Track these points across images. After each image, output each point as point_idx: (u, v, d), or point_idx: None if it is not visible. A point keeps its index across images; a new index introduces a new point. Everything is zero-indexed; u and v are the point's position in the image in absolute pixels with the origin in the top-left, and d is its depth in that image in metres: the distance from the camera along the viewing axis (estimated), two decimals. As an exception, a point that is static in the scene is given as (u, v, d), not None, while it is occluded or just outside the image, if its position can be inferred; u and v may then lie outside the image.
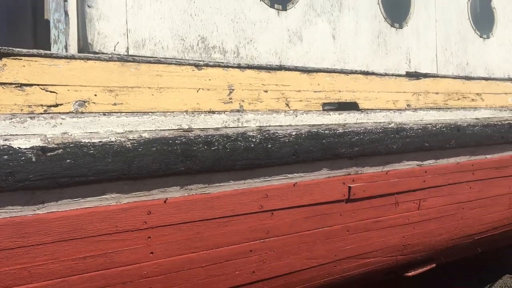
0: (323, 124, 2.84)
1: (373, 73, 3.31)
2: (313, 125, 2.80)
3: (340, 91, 3.06)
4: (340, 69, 3.25)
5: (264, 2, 3.53)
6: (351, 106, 3.11)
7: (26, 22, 3.92)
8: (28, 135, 1.87)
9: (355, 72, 3.23)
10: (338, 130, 2.85)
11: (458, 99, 3.75)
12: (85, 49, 2.81)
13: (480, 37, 5.17)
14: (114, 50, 2.87)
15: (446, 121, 3.52)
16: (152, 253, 2.32)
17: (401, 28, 4.45)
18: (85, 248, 2.09)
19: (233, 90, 2.57)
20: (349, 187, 3.05)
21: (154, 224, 2.29)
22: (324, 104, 2.97)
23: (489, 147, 3.91)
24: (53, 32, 4.71)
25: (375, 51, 4.28)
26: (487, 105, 3.93)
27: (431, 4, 4.75)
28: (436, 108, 3.56)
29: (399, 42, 4.43)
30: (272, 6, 3.56)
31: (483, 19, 5.29)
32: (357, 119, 3.06)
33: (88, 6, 2.80)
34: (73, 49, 2.94)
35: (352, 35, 4.09)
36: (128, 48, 2.91)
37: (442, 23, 4.85)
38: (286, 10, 3.68)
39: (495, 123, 3.78)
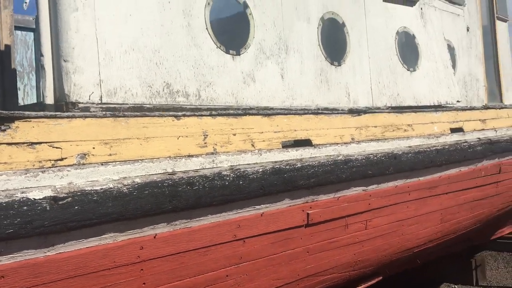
0: (283, 160, 3.26)
1: (322, 113, 3.78)
2: (276, 162, 3.21)
3: (295, 130, 3.51)
4: (295, 111, 3.70)
5: (221, 49, 3.92)
6: (306, 143, 3.56)
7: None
8: (41, 187, 2.14)
9: (308, 113, 3.69)
10: (297, 165, 3.28)
11: (393, 130, 4.31)
12: (61, 99, 3.06)
13: (408, 70, 5.83)
14: (89, 99, 3.14)
15: (384, 150, 4.05)
16: (144, 283, 2.61)
17: (340, 65, 4.99)
18: (88, 283, 2.35)
19: (207, 135, 2.94)
20: (307, 214, 3.47)
21: (146, 258, 2.58)
22: (283, 142, 3.40)
23: (421, 171, 4.48)
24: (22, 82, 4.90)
25: (318, 87, 4.78)
26: (417, 134, 4.53)
27: (364, 42, 5.34)
28: (376, 140, 4.10)
29: (338, 78, 4.96)
30: (227, 52, 3.96)
31: (409, 53, 5.98)
32: (311, 154, 3.51)
33: (64, 60, 3.07)
34: (49, 100, 3.18)
35: (298, 74, 4.55)
36: (101, 97, 3.19)
37: (374, 59, 5.45)
38: (239, 54, 4.09)
39: (425, 149, 4.37)
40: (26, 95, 5.62)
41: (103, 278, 2.40)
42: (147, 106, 3.39)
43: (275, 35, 4.36)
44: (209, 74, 3.80)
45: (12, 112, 2.18)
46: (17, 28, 5.40)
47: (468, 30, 7.33)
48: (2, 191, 2.02)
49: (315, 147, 3.55)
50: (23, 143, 2.18)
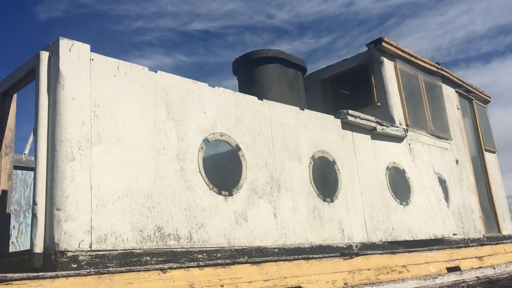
0: (273, 312, 3.16)
1: (313, 258, 3.74)
2: (265, 314, 3.11)
3: (285, 277, 3.45)
4: (285, 257, 3.67)
5: (213, 191, 4.00)
6: (297, 290, 3.48)
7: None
8: None
9: (298, 258, 3.65)
10: (288, 316, 3.17)
11: (387, 272, 4.23)
12: (51, 248, 3.06)
13: (400, 204, 5.89)
14: (79, 247, 3.14)
15: (379, 295, 3.94)
16: None
17: (332, 201, 5.06)
18: None
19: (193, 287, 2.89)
20: None
21: None
22: None
23: (420, 315, 4.31)
24: (12, 223, 4.92)
25: (312, 224, 4.78)
26: (413, 275, 4.44)
27: (355, 178, 5.47)
28: (370, 284, 4.00)
29: (332, 214, 4.99)
30: (219, 193, 4.04)
31: (401, 188, 6.09)
32: (303, 302, 3.41)
33: (57, 209, 3.12)
34: (39, 249, 3.17)
35: (291, 212, 4.59)
36: (91, 244, 3.19)
37: (367, 194, 5.53)
38: (232, 195, 4.17)
39: (422, 292, 4.25)
40: (20, 233, 5.62)
41: None
42: (137, 251, 3.37)
43: (267, 175, 4.49)
44: (201, 215, 3.85)
45: (-7, 276, 2.16)
46: (18, 167, 5.58)
47: (457, 162, 7.56)
48: None
49: (306, 295, 3.46)
50: (2, 308, 2.14)
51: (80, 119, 3.28)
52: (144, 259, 3.31)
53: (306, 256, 3.65)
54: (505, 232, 8.21)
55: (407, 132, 6.53)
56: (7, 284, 2.18)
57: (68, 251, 3.04)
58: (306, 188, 4.87)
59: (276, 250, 4.21)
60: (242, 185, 4.28)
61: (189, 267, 2.95)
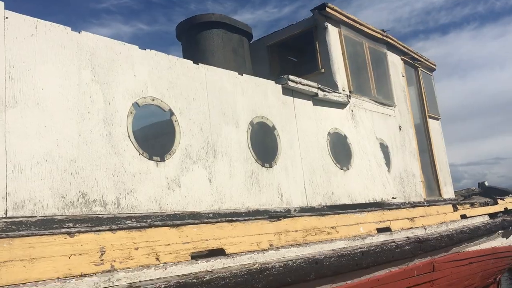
0: (191, 273, 3.16)
1: (237, 220, 3.76)
2: (182, 275, 3.11)
3: (207, 240, 3.45)
4: (206, 220, 3.67)
5: (143, 156, 3.94)
6: (219, 252, 3.49)
7: None
8: None
9: (221, 221, 3.66)
10: (205, 277, 3.18)
11: (316, 233, 4.31)
12: (-38, 215, 2.95)
13: (341, 169, 5.98)
14: (-7, 213, 3.04)
15: (305, 255, 4.01)
16: None
17: (271, 167, 5.09)
18: None
19: (104, 252, 2.85)
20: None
21: None
22: (193, 254, 3.32)
23: (347, 274, 4.42)
24: None
25: (249, 189, 4.80)
26: (342, 236, 4.54)
27: (296, 144, 5.51)
28: (297, 245, 4.07)
29: (270, 180, 5.02)
30: (150, 158, 3.98)
31: (342, 153, 6.17)
32: (223, 264, 3.43)
33: None
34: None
35: (227, 177, 4.59)
36: (7, 210, 3.10)
37: (307, 159, 5.58)
38: (164, 160, 4.11)
39: (349, 252, 4.35)
40: None
41: None
42: (59, 217, 3.30)
43: (202, 140, 4.44)
44: (130, 181, 3.78)
45: None
46: None
47: (400, 129, 7.71)
48: None
49: (228, 256, 3.48)
50: None
51: None
52: (66, 225, 3.23)
53: (230, 218, 3.66)
54: (446, 196, 8.51)
55: (350, 98, 6.58)
56: None
57: None
58: (243, 153, 4.85)
59: (211, 215, 4.21)
60: (175, 150, 4.22)
61: (100, 230, 2.91)
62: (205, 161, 4.47)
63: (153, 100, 4.17)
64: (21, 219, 3.11)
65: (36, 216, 3.20)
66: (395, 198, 6.55)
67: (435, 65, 9.23)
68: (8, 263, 2.45)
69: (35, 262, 2.54)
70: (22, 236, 2.60)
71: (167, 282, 2.97)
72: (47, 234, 2.66)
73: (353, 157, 6.27)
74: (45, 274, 2.54)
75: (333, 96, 6.22)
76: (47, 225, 3.12)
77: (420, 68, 8.81)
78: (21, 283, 2.44)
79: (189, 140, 4.35)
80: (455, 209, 6.56)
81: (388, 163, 6.99)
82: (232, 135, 4.77)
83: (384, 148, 7.07)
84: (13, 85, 3.26)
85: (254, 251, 3.68)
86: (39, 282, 2.49)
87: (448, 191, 8.69)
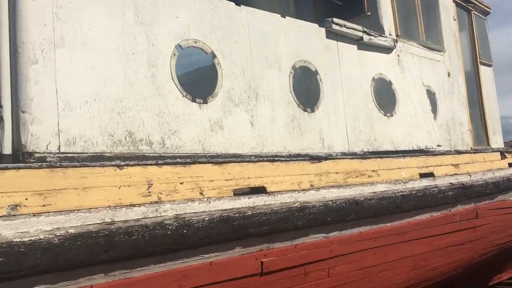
0: (233, 208, 3.27)
1: (278, 160, 3.81)
2: (225, 210, 3.22)
3: (249, 178, 3.53)
4: (249, 158, 3.73)
5: (187, 98, 4.01)
6: (260, 190, 3.58)
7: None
8: (-35, 239, 2.18)
9: (262, 160, 3.72)
10: (247, 212, 3.28)
11: (357, 176, 4.32)
12: (18, 149, 3.13)
13: (385, 115, 5.89)
14: (46, 149, 3.20)
15: (345, 196, 4.05)
16: (78, 338, 2.59)
17: (313, 112, 5.07)
18: None
19: (151, 184, 2.98)
20: (262, 262, 3.45)
21: (83, 310, 2.58)
22: (235, 190, 3.42)
23: (387, 217, 4.45)
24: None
25: (290, 133, 4.82)
26: (383, 180, 4.53)
27: (339, 89, 5.43)
28: (337, 186, 4.10)
29: (312, 124, 5.01)
30: (194, 100, 4.05)
31: (386, 99, 6.05)
32: (265, 201, 3.52)
33: (22, 111, 3.16)
34: (7, 150, 3.25)
35: (269, 121, 4.62)
36: (59, 146, 3.25)
37: (350, 105, 5.52)
38: (207, 103, 4.17)
39: (390, 195, 4.35)
40: None
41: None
42: (108, 155, 3.45)
43: (244, 83, 4.45)
44: (174, 122, 3.87)
45: None
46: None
47: (449, 75, 7.43)
48: None
49: (269, 194, 3.56)
50: (-46, 195, 2.24)
51: (42, 21, 3.22)
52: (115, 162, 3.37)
53: (272, 158, 3.71)
54: (494, 145, 8.24)
55: (397, 42, 6.36)
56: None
57: (36, 153, 3.10)
58: (285, 97, 4.83)
59: (253, 157, 4.28)
60: (217, 93, 4.26)
61: (147, 164, 3.03)
62: (247, 104, 4.48)
63: (195, 42, 4.18)
64: (72, 154, 3.26)
65: (86, 153, 3.35)
66: (440, 146, 6.41)
67: (489, 8, 8.71)
68: (63, 190, 2.61)
69: (88, 191, 2.70)
70: (76, 166, 2.74)
71: (210, 215, 3.09)
72: (98, 166, 2.79)
73: (397, 103, 6.13)
74: (97, 203, 2.70)
75: (378, 40, 6.04)
76: (97, 161, 3.27)
77: (473, 11, 8.35)
78: (76, 210, 2.60)
79: (231, 83, 4.37)
80: (503, 157, 6.37)
81: (434, 110, 6.81)
82: (274, 79, 4.74)
83: (431, 95, 6.86)
84: (61, 25, 3.34)
85: (295, 191, 3.74)
86: (92, 209, 2.65)
87: (497, 141, 8.40)
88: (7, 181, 2.45)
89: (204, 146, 4.07)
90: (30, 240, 2.34)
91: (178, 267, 3.01)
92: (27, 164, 2.65)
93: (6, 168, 2.50)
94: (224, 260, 3.24)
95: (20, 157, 3.10)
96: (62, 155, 3.22)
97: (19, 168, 2.55)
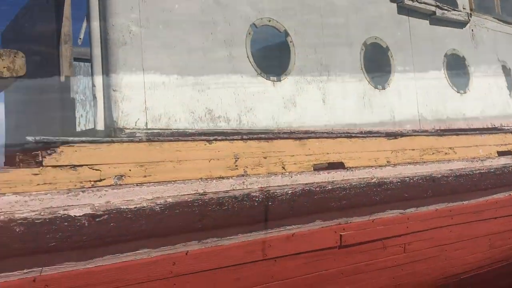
0: (314, 182, 3.36)
1: (356, 136, 3.84)
2: (306, 184, 3.32)
3: (328, 153, 3.60)
4: (327, 134, 3.79)
5: (261, 76, 4.10)
6: (338, 166, 3.63)
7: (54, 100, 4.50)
8: (80, 205, 2.40)
9: (340, 136, 3.77)
10: (327, 187, 3.36)
11: (433, 153, 4.27)
12: (111, 125, 3.34)
13: (458, 92, 5.74)
14: (135, 125, 3.40)
15: (422, 173, 4.03)
16: (177, 298, 2.79)
17: (384, 89, 5.03)
18: (124, 295, 2.57)
19: (238, 158, 3.12)
20: (340, 235, 3.53)
21: (178, 273, 2.77)
22: (315, 165, 3.50)
23: (464, 194, 4.38)
24: (80, 112, 5.30)
25: (361, 110, 4.82)
26: (460, 157, 4.45)
27: (410, 66, 5.35)
28: (414, 163, 4.08)
29: (383, 101, 4.98)
30: (268, 78, 4.13)
31: (459, 76, 5.89)
32: (343, 176, 3.58)
33: (113, 90, 3.36)
34: (100, 126, 3.48)
35: (340, 98, 4.64)
36: (147, 123, 3.45)
37: (422, 82, 5.43)
38: (280, 81, 4.25)
39: (467, 173, 4.28)
40: (87, 121, 6.09)
41: (138, 291, 2.61)
42: (190, 131, 3.62)
43: (316, 61, 4.48)
44: (250, 100, 3.98)
45: (58, 138, 2.47)
46: (80, 59, 5.91)
47: (526, 49, 7.08)
48: (47, 208, 2.29)
49: (347, 169, 3.62)
50: (66, 165, 2.46)
51: (129, 4, 3.39)
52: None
53: (349, 134, 3.75)
54: None
55: (471, 17, 6.14)
56: (69, 146, 2.49)
57: (127, 129, 3.30)
58: (356, 74, 4.83)
59: (325, 134, 4.33)
60: (290, 70, 4.32)
61: (233, 139, 3.16)
62: (319, 81, 4.51)
63: (269, 21, 4.24)
64: (158, 130, 3.45)
65: (170, 129, 3.53)
66: (516, 123, 6.18)
67: None
68: (160, 163, 2.79)
69: (182, 163, 2.87)
70: (171, 140, 2.91)
71: (293, 188, 3.19)
72: (190, 140, 2.95)
73: (471, 80, 5.95)
74: (190, 174, 2.87)
75: (452, 15, 5.84)
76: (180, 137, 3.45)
77: (553, -19, 7.85)
78: (172, 181, 2.78)
79: (303, 61, 4.41)
80: None
81: (510, 87, 6.54)
82: (345, 56, 4.74)
83: (507, 71, 6.59)
84: (146, 7, 3.50)
85: (372, 167, 3.77)
86: (187, 180, 2.83)
87: None
88: (113, 153, 2.66)
89: (278, 123, 4.15)
90: (135, 207, 2.54)
91: (263, 237, 3.14)
92: (130, 138, 2.84)
93: (112, 142, 2.71)
94: (305, 232, 3.35)
95: (112, 132, 3.32)
96: (149, 131, 3.42)
97: (123, 141, 2.75)
